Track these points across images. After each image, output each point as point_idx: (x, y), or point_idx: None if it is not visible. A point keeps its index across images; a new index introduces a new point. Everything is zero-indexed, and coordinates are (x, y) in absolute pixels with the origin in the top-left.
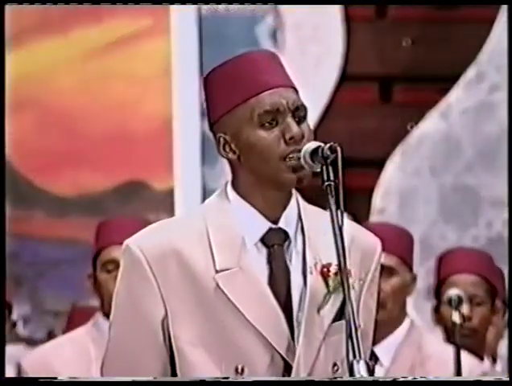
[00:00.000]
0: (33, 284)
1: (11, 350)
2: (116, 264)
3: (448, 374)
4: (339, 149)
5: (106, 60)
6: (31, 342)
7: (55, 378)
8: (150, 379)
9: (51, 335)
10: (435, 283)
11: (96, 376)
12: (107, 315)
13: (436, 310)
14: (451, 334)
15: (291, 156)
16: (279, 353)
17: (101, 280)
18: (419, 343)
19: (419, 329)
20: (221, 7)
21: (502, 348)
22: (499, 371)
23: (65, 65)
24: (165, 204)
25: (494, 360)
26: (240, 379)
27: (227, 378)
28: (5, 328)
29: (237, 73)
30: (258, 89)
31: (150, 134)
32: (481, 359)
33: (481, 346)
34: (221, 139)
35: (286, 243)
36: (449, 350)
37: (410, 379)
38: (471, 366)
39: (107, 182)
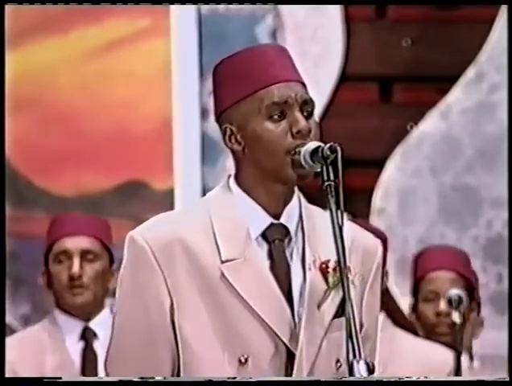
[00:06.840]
0: (33, 284)
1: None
2: (68, 255)
3: (421, 370)
4: (339, 149)
5: (106, 60)
6: None
7: (44, 378)
8: (150, 379)
9: None
10: (412, 281)
11: (49, 370)
12: (62, 309)
13: (414, 308)
14: (429, 331)
15: (296, 150)
16: (283, 342)
17: (54, 272)
18: (392, 339)
19: (391, 325)
20: (221, 7)
21: (478, 346)
22: (476, 369)
23: (65, 65)
24: (165, 204)
25: (471, 358)
26: (243, 369)
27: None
28: (5, 328)
29: (246, 65)
30: (268, 82)
31: (150, 134)
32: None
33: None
34: (227, 130)
35: (287, 239)
36: (422, 345)
37: (411, 378)
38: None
39: (107, 182)
